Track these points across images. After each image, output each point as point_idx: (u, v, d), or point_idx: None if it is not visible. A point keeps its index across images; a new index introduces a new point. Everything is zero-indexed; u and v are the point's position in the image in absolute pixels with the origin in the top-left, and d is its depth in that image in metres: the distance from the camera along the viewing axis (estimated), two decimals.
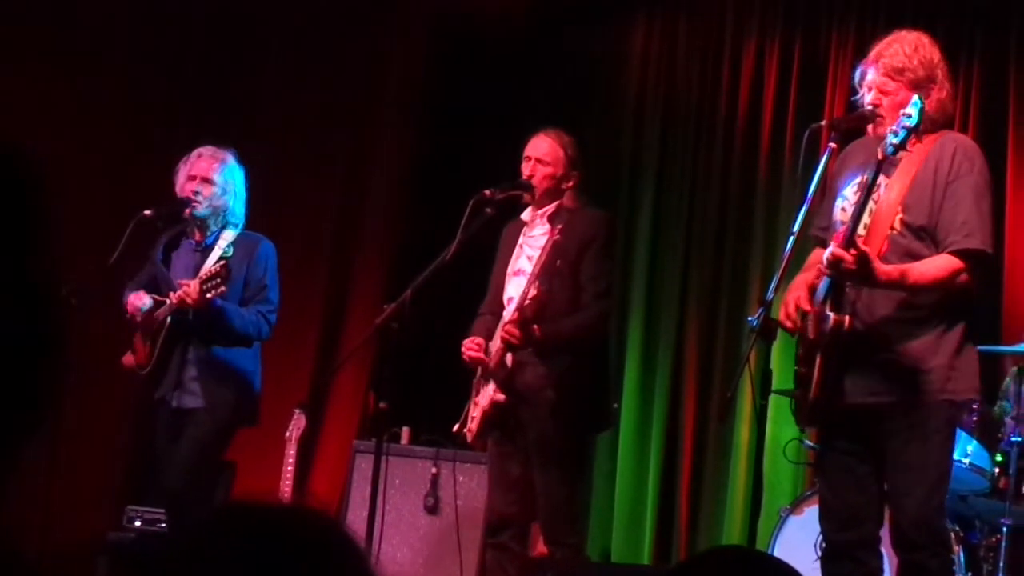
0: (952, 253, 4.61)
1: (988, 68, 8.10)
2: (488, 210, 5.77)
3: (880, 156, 4.45)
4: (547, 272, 5.63)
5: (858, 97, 4.83)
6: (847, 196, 4.79)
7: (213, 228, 6.31)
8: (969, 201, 4.65)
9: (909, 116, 4.40)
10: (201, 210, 6.26)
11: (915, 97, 4.50)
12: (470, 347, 5.88)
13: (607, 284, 5.98)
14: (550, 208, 5.93)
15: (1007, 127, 7.95)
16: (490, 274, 6.17)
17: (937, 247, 4.64)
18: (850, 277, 4.52)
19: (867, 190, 4.54)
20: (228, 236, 6.28)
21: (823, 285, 4.64)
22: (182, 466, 6.16)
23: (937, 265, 4.60)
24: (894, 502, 4.74)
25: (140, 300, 6.21)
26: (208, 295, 5.95)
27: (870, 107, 4.73)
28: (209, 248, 6.25)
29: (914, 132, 4.42)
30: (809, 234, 4.83)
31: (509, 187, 5.90)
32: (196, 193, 6.23)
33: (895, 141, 4.40)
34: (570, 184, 5.96)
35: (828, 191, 4.86)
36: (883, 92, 4.71)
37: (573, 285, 5.80)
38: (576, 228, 5.79)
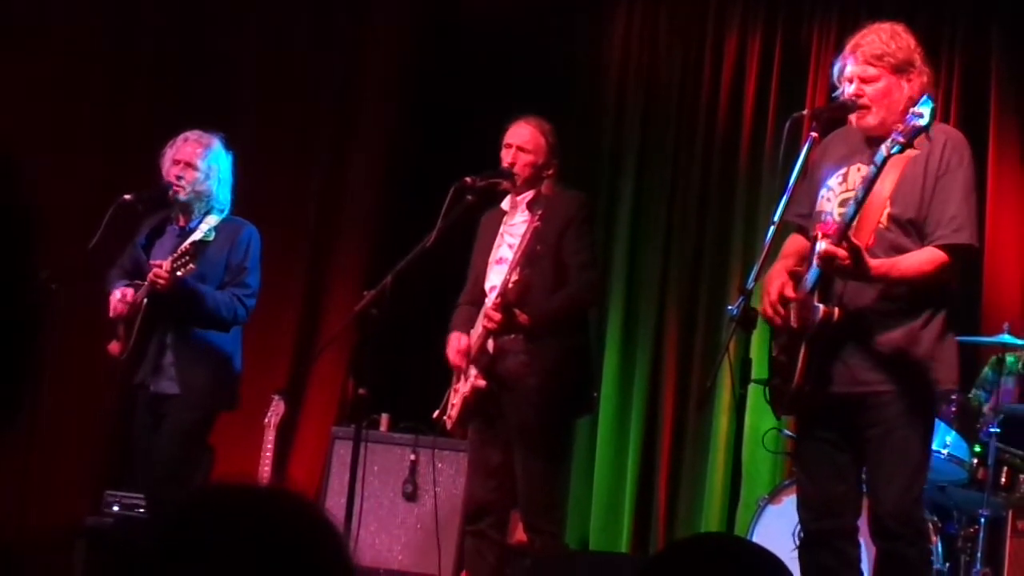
0: (939, 247, 4.61)
1: (969, 60, 8.10)
2: (469, 197, 5.77)
3: (885, 153, 4.41)
4: (528, 257, 5.63)
5: (838, 92, 4.82)
6: (832, 187, 4.78)
7: (197, 213, 6.27)
8: (959, 196, 4.65)
9: (920, 116, 4.37)
10: (183, 195, 6.21)
11: (926, 97, 4.50)
12: (456, 351, 5.90)
13: (591, 255, 5.99)
14: (529, 195, 5.92)
15: (988, 119, 7.95)
16: (469, 262, 6.16)
17: (923, 240, 4.65)
18: (843, 272, 4.51)
19: (867, 188, 4.51)
20: (211, 221, 6.24)
21: (811, 274, 4.63)
22: (164, 457, 6.11)
23: (922, 259, 4.60)
24: (873, 491, 4.75)
25: (122, 296, 6.18)
26: (179, 272, 5.93)
27: (852, 97, 4.72)
28: (191, 233, 6.21)
29: (924, 132, 4.42)
30: (786, 219, 4.80)
31: (490, 174, 5.90)
32: (179, 178, 6.19)
33: (902, 140, 4.37)
34: (550, 172, 5.95)
35: (810, 179, 4.84)
36: (865, 80, 4.70)
37: (555, 268, 5.79)
38: (553, 212, 5.78)
